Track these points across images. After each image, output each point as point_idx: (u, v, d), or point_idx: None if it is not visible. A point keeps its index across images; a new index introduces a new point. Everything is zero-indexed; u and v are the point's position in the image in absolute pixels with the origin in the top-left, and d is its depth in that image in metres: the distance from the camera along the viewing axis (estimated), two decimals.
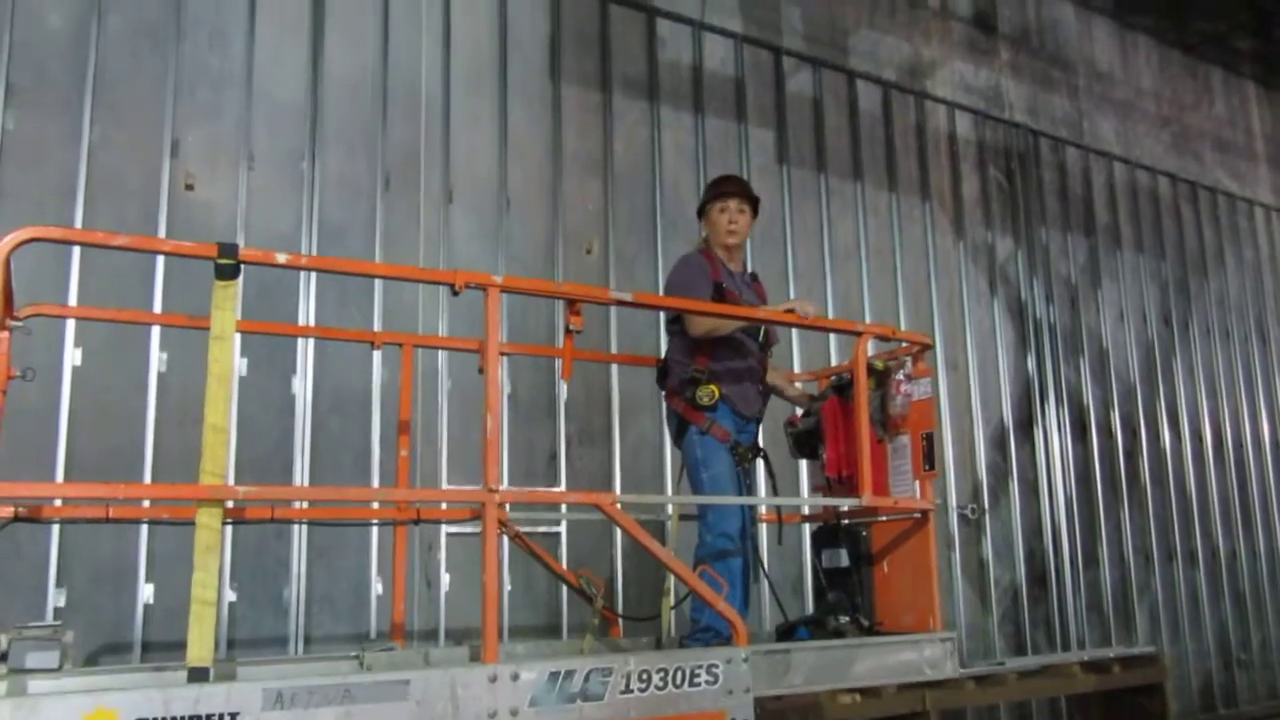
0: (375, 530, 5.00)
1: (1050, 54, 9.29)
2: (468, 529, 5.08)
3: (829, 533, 4.15)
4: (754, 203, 4.41)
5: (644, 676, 2.78)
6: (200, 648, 2.34)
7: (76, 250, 4.69)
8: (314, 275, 5.20)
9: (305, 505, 4.54)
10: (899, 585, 3.78)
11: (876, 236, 7.51)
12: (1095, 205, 9.12)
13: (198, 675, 2.30)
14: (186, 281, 4.74)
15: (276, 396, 5.05)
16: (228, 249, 2.47)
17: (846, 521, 4.16)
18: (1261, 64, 11.28)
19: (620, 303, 3.42)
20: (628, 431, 5.97)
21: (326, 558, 5.01)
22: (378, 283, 5.38)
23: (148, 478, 4.55)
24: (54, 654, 2.59)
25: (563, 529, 5.56)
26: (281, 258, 2.73)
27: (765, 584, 5.03)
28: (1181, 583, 8.59)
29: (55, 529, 4.35)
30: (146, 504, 4.11)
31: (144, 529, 4.53)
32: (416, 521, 4.19)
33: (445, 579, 5.21)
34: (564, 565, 4.94)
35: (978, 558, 7.36)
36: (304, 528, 4.89)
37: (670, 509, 4.17)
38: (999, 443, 7.74)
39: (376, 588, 5.05)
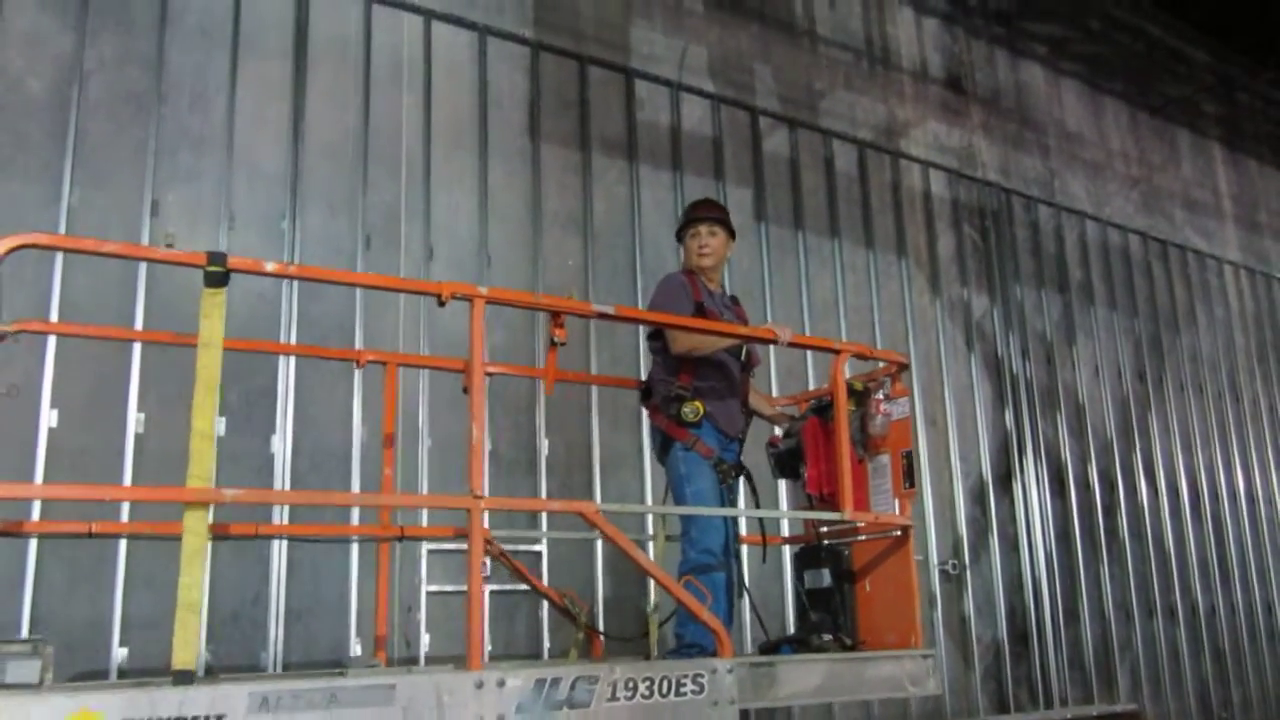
0: (355, 548, 5.01)
1: (1021, 115, 9.50)
2: (449, 546, 5.12)
3: (811, 553, 4.17)
4: (726, 225, 4.49)
5: (630, 685, 2.77)
6: (185, 651, 2.33)
7: (57, 286, 4.70)
8: (295, 315, 5.24)
9: (286, 521, 4.68)
10: (881, 604, 3.81)
11: (854, 293, 7.59)
12: (1068, 262, 9.26)
13: (182, 679, 2.29)
14: (166, 320, 4.74)
15: (256, 455, 5.02)
16: (216, 257, 2.52)
17: (828, 542, 4.19)
18: (1226, 126, 11.59)
19: (603, 316, 3.47)
20: (609, 486, 5.95)
21: (305, 575, 4.99)
22: (358, 317, 5.40)
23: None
24: (35, 667, 2.53)
25: (544, 548, 5.57)
26: (269, 266, 2.80)
27: (748, 603, 5.03)
28: (1162, 639, 8.58)
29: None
30: (125, 518, 4.19)
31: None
32: (400, 538, 4.19)
33: (424, 602, 5.20)
34: (546, 586, 4.91)
35: (959, 614, 7.33)
36: (283, 544, 4.89)
37: (653, 529, 4.15)
38: (978, 498, 7.77)
39: (354, 606, 5.04)
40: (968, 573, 7.42)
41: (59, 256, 4.73)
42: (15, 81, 4.91)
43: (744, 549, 4.90)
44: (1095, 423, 8.85)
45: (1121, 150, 10.31)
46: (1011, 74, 9.49)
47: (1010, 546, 7.80)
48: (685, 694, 2.84)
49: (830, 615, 3.85)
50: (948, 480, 7.61)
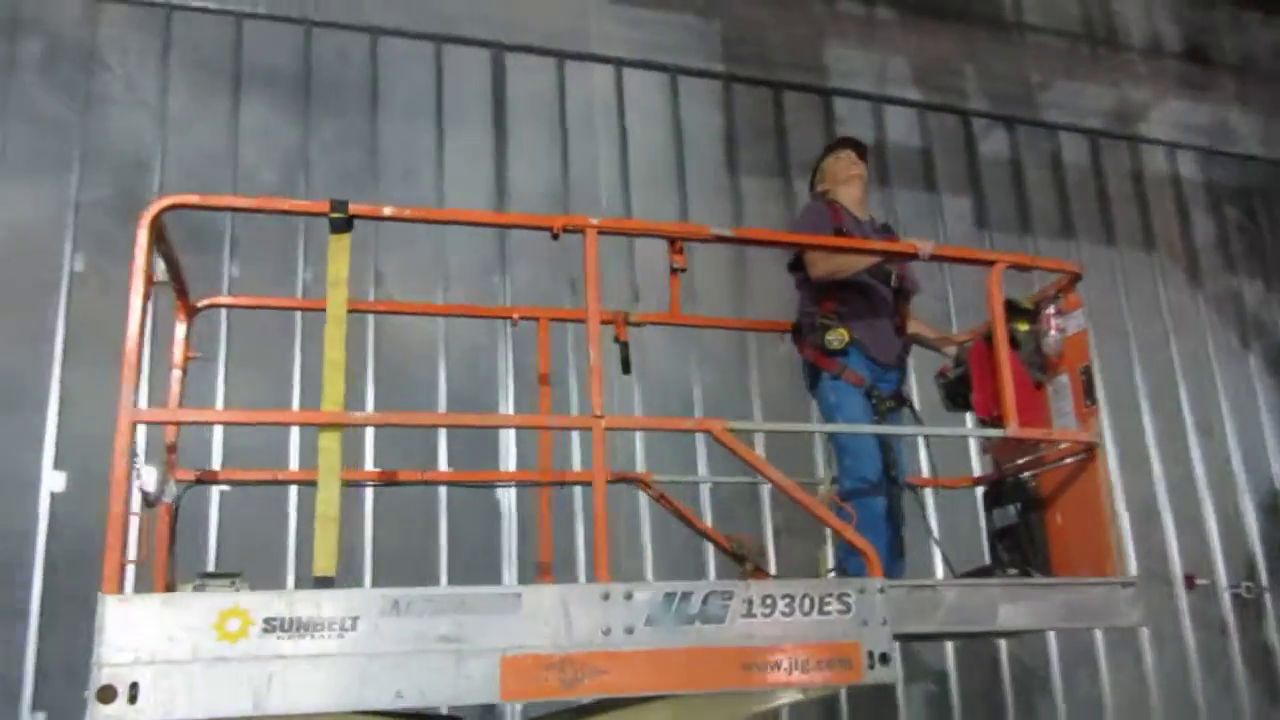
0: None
1: None
2: None
3: (997, 490, 3.83)
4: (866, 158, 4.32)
5: (768, 602, 2.62)
6: (325, 559, 2.46)
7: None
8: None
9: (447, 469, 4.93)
10: (1073, 534, 3.42)
11: (1099, 296, 6.92)
12: None
13: (322, 583, 2.43)
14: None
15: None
16: (339, 204, 2.77)
17: (1013, 477, 3.81)
18: None
19: (721, 239, 3.35)
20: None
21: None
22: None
23: None
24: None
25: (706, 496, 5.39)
26: (387, 210, 3.04)
27: (935, 550, 4.60)
28: None
29: None
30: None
31: None
32: (561, 484, 4.16)
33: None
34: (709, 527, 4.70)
35: (1261, 642, 6.46)
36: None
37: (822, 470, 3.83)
38: (1272, 511, 6.83)
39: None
40: (1266, 596, 6.53)
41: (297, 343, 5.06)
42: (250, 174, 5.35)
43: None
44: None
45: None
46: (1267, 33, 8.44)
47: None
48: (830, 613, 2.65)
49: (1018, 550, 3.51)
50: (1231, 494, 6.75)
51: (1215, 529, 6.57)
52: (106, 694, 2.12)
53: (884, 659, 2.62)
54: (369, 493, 4.96)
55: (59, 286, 4.91)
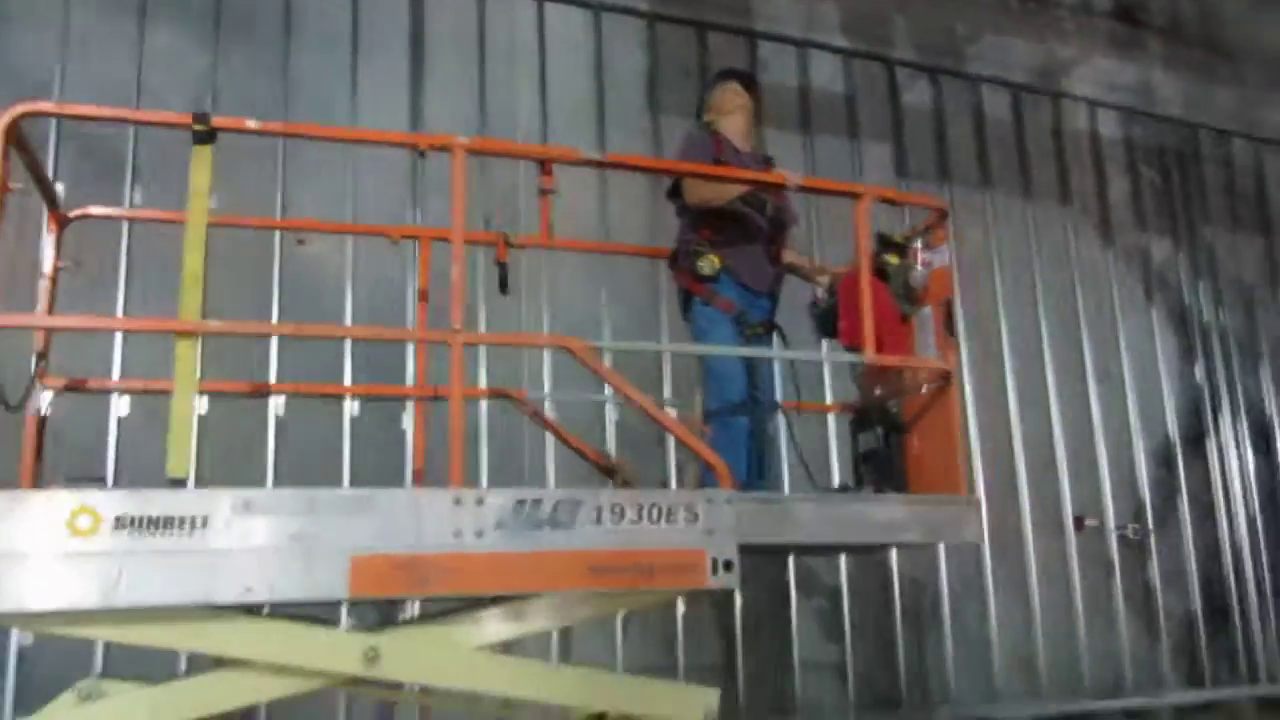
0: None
1: (1209, 42, 8.57)
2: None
3: (862, 415, 3.99)
4: (756, 90, 4.40)
5: (617, 510, 2.72)
6: (178, 460, 2.53)
7: None
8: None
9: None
10: (930, 457, 3.59)
11: (1011, 247, 7.11)
12: (1270, 199, 8.33)
13: (176, 483, 2.52)
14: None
15: None
16: (200, 116, 2.85)
17: (879, 404, 3.96)
18: None
19: (591, 162, 3.51)
20: None
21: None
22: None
23: None
24: None
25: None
26: (252, 124, 3.12)
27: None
28: None
29: None
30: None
31: None
32: (435, 398, 4.17)
33: None
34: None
35: (1143, 583, 6.77)
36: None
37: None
38: (1164, 459, 7.13)
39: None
40: (1152, 539, 6.83)
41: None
42: (157, 98, 5.24)
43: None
44: None
45: None
46: None
47: (1204, 512, 7.12)
48: (678, 522, 2.76)
49: (879, 472, 3.68)
50: (1126, 440, 7.02)
51: (1108, 474, 6.84)
52: None
53: (728, 566, 2.74)
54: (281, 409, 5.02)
55: None
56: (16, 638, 4.42)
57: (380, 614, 4.52)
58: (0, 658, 4.38)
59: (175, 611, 2.38)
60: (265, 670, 2.50)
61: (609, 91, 6.20)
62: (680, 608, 5.46)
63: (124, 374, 4.72)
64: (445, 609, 2.81)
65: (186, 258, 2.70)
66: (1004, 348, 6.81)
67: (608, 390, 4.82)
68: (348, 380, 5.11)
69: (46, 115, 2.85)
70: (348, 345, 5.21)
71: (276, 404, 5.05)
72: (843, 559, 5.92)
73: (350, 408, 5.18)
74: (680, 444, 3.47)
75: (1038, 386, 6.83)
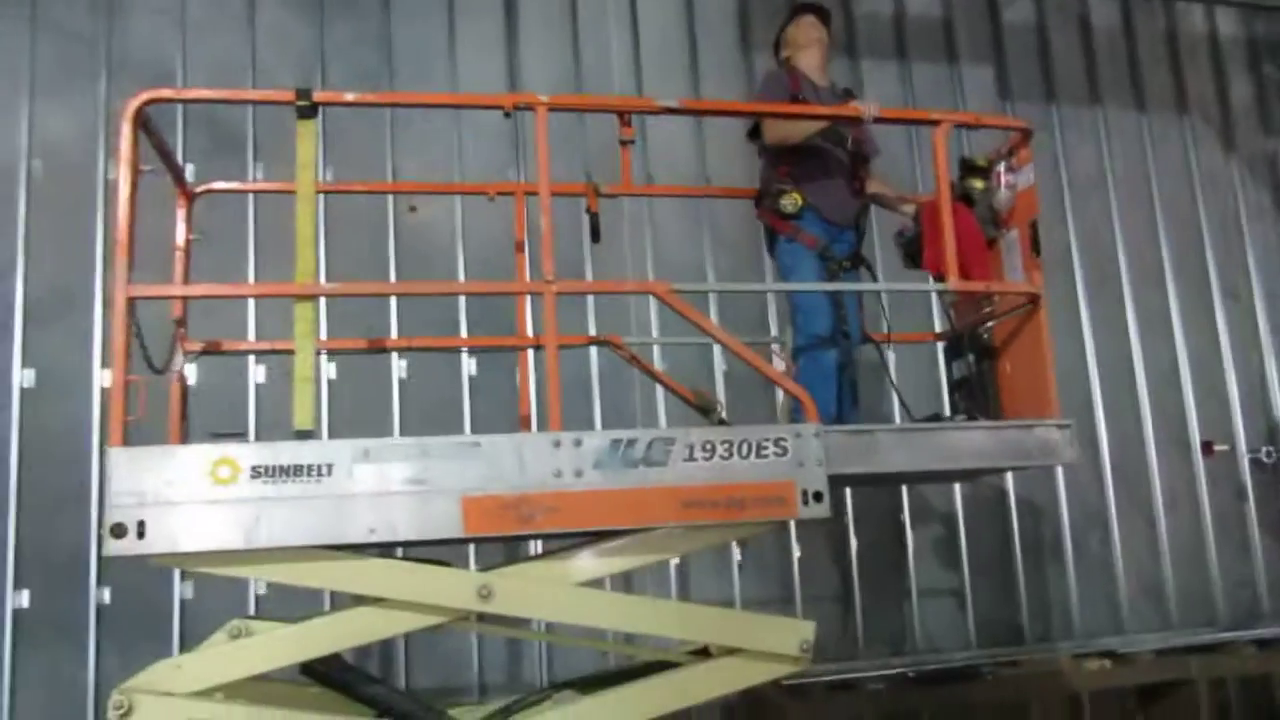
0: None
1: None
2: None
3: (955, 344, 4.01)
4: (829, 22, 4.39)
5: (708, 447, 2.85)
6: (303, 414, 2.75)
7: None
8: None
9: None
10: (1021, 382, 3.60)
11: (1124, 163, 6.85)
12: None
13: (302, 435, 2.73)
14: None
15: None
16: (303, 92, 3.00)
17: (969, 330, 3.98)
18: None
19: (668, 110, 3.57)
20: None
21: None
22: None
23: None
24: None
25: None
26: (350, 96, 3.33)
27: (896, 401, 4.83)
28: None
29: None
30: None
31: None
32: (536, 347, 4.38)
33: None
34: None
35: (1278, 507, 6.54)
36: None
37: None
38: None
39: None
40: None
41: (322, 245, 5.29)
42: (269, 75, 5.50)
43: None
44: None
45: None
46: None
47: None
48: (768, 455, 2.87)
49: (972, 399, 3.70)
50: (1256, 361, 6.74)
51: (1237, 395, 6.61)
52: (118, 530, 2.45)
53: (818, 497, 2.84)
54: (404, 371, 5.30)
55: (96, 195, 5.16)
56: (178, 589, 4.87)
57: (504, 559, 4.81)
58: (166, 608, 4.86)
59: (309, 552, 2.62)
60: (391, 607, 2.72)
61: (700, 35, 6.21)
62: (795, 547, 5.57)
63: (258, 338, 5.05)
64: (555, 549, 2.99)
65: (299, 225, 2.89)
66: (1121, 268, 6.61)
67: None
68: (464, 329, 5.35)
69: (167, 101, 3.08)
70: (461, 304, 5.43)
71: (399, 366, 5.31)
72: (956, 489, 5.92)
73: (468, 366, 5.42)
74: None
75: (1159, 308, 6.62)
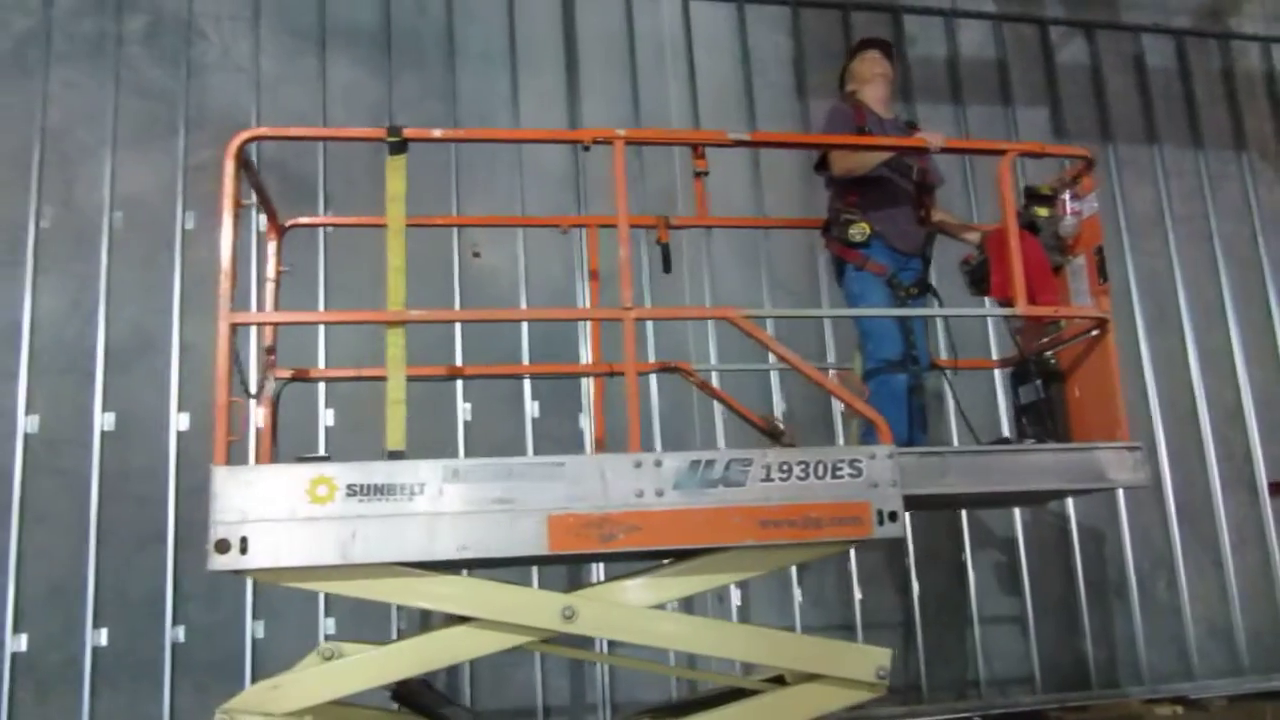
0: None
1: None
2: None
3: (1022, 369, 4.03)
4: (893, 57, 4.50)
5: (784, 468, 2.92)
6: (395, 435, 2.86)
7: None
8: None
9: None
10: (1090, 406, 3.62)
11: (1183, 202, 6.85)
12: None
13: (394, 455, 2.83)
14: None
15: None
16: (394, 129, 3.14)
17: (1036, 355, 3.99)
18: None
19: (739, 143, 3.63)
20: None
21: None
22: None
23: None
24: None
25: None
26: (437, 133, 3.44)
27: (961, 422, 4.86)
28: None
29: None
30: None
31: None
32: (610, 374, 4.42)
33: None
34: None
35: None
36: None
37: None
38: None
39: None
40: None
41: None
42: (338, 127, 5.72)
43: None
44: None
45: None
46: None
47: None
48: (842, 476, 2.94)
49: (1041, 423, 3.72)
50: None
51: (1254, 418, 6.53)
52: (221, 546, 2.57)
53: (892, 517, 2.89)
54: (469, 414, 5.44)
55: (174, 244, 5.39)
56: (249, 628, 4.98)
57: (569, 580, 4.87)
58: (239, 648, 4.98)
59: (399, 569, 2.71)
60: (476, 627, 2.80)
61: (757, 80, 6.36)
62: (854, 574, 5.58)
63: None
64: (631, 571, 3.05)
65: (390, 256, 3.02)
66: (1181, 306, 6.57)
67: (770, 359, 5.01)
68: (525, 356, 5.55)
69: (266, 139, 3.27)
70: (525, 343, 5.57)
71: (464, 409, 5.45)
72: (1019, 529, 5.88)
73: (531, 408, 5.53)
74: (844, 406, 3.60)
75: (1221, 345, 6.57)
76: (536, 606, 2.82)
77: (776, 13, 6.54)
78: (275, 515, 2.61)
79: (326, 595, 5.04)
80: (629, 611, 2.87)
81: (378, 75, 5.89)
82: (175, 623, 4.96)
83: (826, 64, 6.48)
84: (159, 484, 5.08)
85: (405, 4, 6.02)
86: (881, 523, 2.87)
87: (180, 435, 5.16)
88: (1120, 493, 6.05)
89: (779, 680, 3.02)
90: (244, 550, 2.56)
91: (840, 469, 2.90)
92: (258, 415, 3.41)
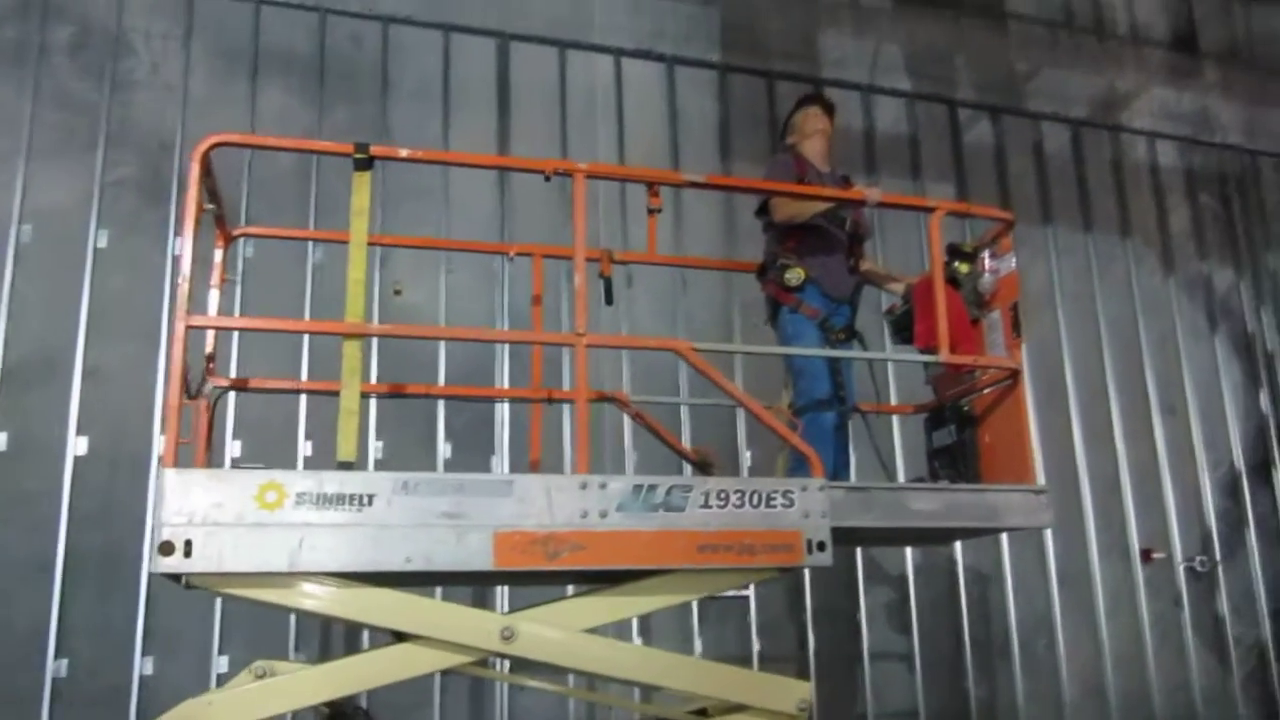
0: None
1: (1269, 66, 8.66)
2: None
3: (937, 414, 4.24)
4: (833, 113, 4.72)
5: (722, 495, 3.04)
6: (347, 446, 2.88)
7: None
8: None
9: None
10: (1001, 452, 3.84)
11: (1073, 281, 7.29)
12: None
13: (345, 466, 2.86)
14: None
15: None
16: (361, 146, 3.17)
17: (951, 402, 4.21)
18: None
19: (693, 184, 3.77)
20: None
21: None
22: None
23: None
24: None
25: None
26: (404, 152, 3.43)
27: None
28: None
29: None
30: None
31: None
32: (549, 400, 4.55)
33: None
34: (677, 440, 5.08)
35: (1212, 614, 6.84)
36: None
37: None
38: (1230, 490, 7.19)
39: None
40: (1219, 570, 6.88)
41: (307, 313, 5.48)
42: (270, 156, 5.69)
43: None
44: None
45: None
46: (1250, 23, 8.68)
47: (1272, 541, 7.14)
48: (776, 506, 3.07)
49: (953, 466, 3.94)
50: (1191, 472, 7.10)
51: (1174, 505, 6.95)
52: (166, 548, 2.53)
53: (821, 546, 3.04)
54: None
55: (84, 263, 5.24)
56: (138, 664, 4.82)
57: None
58: (125, 683, 4.80)
59: (344, 581, 2.72)
60: (413, 647, 2.81)
61: (683, 139, 6.56)
62: (753, 603, 5.73)
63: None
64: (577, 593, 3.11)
65: (351, 269, 3.04)
66: (1068, 381, 6.97)
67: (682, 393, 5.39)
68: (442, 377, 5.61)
69: (234, 145, 3.29)
70: (441, 372, 5.61)
71: (376, 448, 5.44)
72: (911, 589, 6.11)
73: (444, 450, 5.59)
74: (764, 437, 3.75)
75: (1102, 419, 6.97)
76: (475, 626, 2.84)
77: (705, 76, 6.78)
78: (223, 519, 2.59)
79: (221, 632, 4.93)
80: (566, 636, 2.92)
81: (309, 104, 5.90)
82: (58, 655, 4.75)
83: (750, 128, 6.76)
84: (51, 509, 4.90)
85: (341, 35, 6.06)
86: (811, 551, 3.00)
87: (78, 460, 4.99)
88: (1006, 556, 6.38)
89: (702, 713, 3.10)
90: (188, 553, 2.53)
91: (774, 499, 3.02)
92: (199, 422, 3.35)
